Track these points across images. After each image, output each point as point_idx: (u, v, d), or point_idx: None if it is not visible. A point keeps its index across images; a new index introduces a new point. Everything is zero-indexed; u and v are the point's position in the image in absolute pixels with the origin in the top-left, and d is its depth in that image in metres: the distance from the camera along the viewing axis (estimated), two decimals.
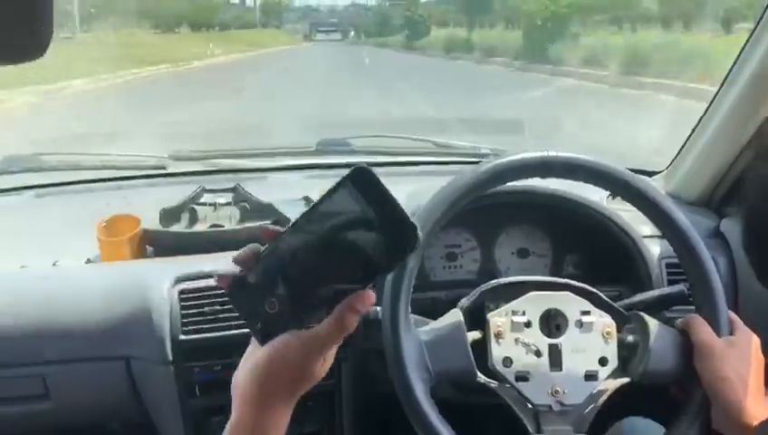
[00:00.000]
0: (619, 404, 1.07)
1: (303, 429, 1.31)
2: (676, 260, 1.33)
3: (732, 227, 1.42)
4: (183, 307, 1.22)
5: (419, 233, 0.61)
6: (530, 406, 1.02)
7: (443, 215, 1.05)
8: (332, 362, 0.68)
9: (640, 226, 1.32)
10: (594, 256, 1.36)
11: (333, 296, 0.64)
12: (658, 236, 1.40)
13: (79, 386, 1.25)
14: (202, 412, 1.25)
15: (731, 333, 0.99)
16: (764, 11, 1.26)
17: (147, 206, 1.45)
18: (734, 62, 1.34)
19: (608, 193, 1.42)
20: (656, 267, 1.29)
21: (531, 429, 1.01)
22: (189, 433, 1.25)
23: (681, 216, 1.06)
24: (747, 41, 1.31)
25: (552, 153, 1.05)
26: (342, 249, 0.63)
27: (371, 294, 0.63)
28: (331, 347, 0.65)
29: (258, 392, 0.64)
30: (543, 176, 1.10)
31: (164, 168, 1.69)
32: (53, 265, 1.34)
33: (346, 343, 0.69)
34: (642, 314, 1.06)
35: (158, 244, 1.38)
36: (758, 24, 1.27)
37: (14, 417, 1.26)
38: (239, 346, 1.20)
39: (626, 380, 1.03)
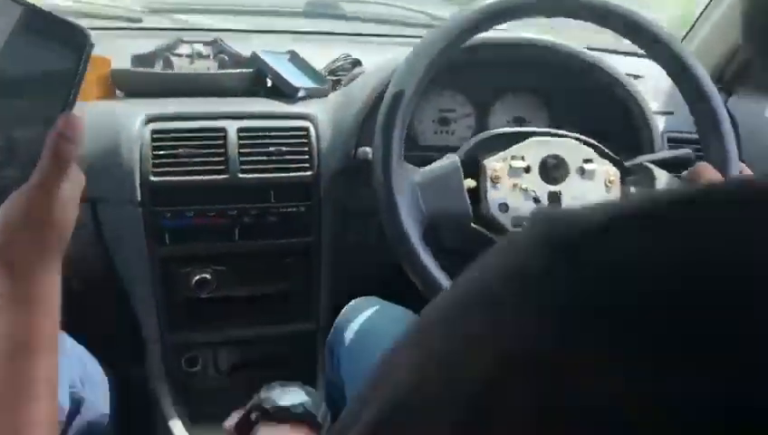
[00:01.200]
0: None
1: (278, 285, 1.25)
2: (679, 135, 1.28)
3: (740, 104, 1.35)
4: (155, 148, 1.13)
5: (88, 31, 0.55)
6: None
7: (430, 64, 0.95)
8: (78, 201, 0.58)
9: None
10: (596, 123, 1.29)
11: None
12: (663, 113, 1.34)
13: None
14: (171, 261, 1.17)
15: None
16: None
17: (119, 55, 1.34)
18: None
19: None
20: (659, 140, 1.22)
21: None
22: (157, 284, 1.18)
23: (699, 66, 0.99)
24: None
25: None
26: (30, 84, 0.56)
27: (76, 116, 0.55)
28: (60, 186, 0.55)
29: (4, 266, 0.54)
30: (549, 15, 1.02)
31: (139, 20, 1.57)
32: None
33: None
34: (648, 165, 0.99)
35: (128, 86, 1.27)
36: None
37: None
38: (213, 193, 1.14)
39: None
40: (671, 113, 1.34)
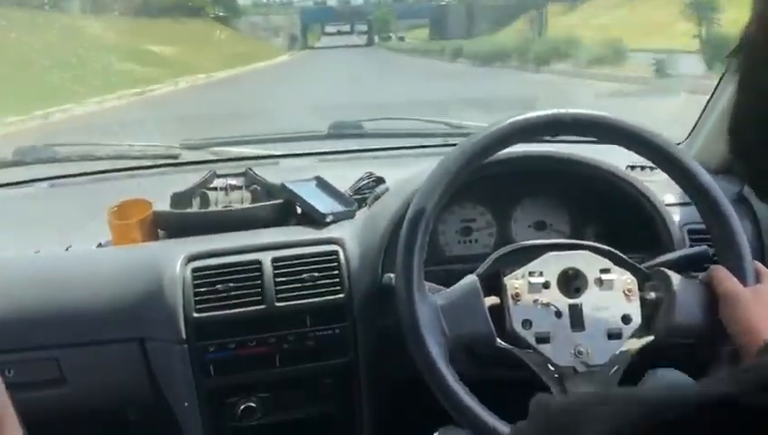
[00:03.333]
0: (645, 365, 1.03)
1: (321, 407, 1.28)
2: (698, 226, 1.30)
3: None
4: (196, 285, 1.20)
5: None
6: (552, 369, 0.98)
7: (449, 183, 1.02)
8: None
9: (662, 193, 1.29)
10: (614, 225, 1.33)
11: None
12: (680, 204, 1.37)
13: (94, 369, 1.24)
14: (217, 392, 1.23)
15: (757, 282, 0.96)
16: None
17: (159, 193, 1.44)
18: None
19: (626, 164, 1.39)
20: (678, 234, 1.25)
21: (556, 393, 0.98)
22: (204, 414, 1.23)
23: (702, 171, 1.03)
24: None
25: (563, 110, 1.03)
26: None
27: None
28: None
29: None
30: (555, 134, 1.08)
31: (176, 157, 1.69)
32: (66, 250, 1.34)
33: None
34: (664, 269, 1.03)
35: (168, 226, 1.36)
36: None
37: (31, 403, 1.23)
38: (252, 324, 1.21)
39: (650, 338, 1.00)
40: (689, 204, 1.37)
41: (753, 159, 0.48)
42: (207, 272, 1.22)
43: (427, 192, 1.02)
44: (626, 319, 1.00)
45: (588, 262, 1.03)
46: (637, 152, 1.07)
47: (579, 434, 0.36)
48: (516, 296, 1.00)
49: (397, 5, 39.26)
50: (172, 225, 1.36)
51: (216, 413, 1.24)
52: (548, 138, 1.25)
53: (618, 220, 1.30)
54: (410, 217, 1.01)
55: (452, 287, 1.02)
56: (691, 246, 1.26)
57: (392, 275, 1.04)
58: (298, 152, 1.74)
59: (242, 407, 1.23)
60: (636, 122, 1.05)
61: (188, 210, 1.38)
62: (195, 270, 1.22)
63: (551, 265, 1.02)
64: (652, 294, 1.03)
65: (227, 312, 1.20)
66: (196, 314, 1.19)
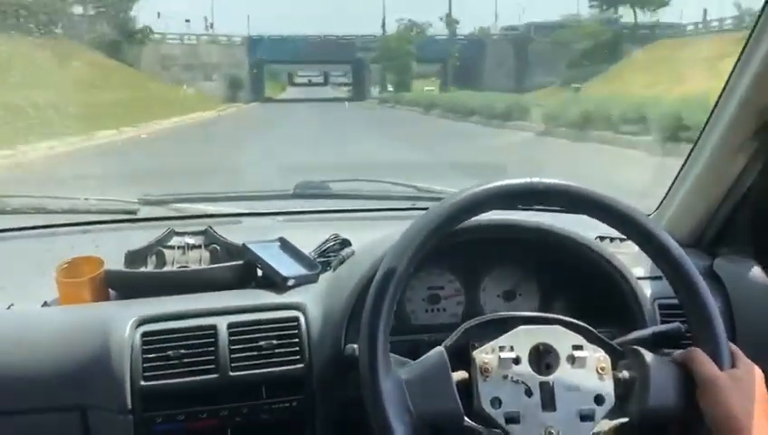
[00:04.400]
0: None
1: None
2: (669, 301, 1.28)
3: (725, 267, 1.36)
4: (145, 351, 1.13)
5: None
6: None
7: (419, 248, 0.98)
8: None
9: (633, 267, 1.27)
10: (584, 297, 1.29)
11: None
12: (651, 278, 1.35)
13: None
14: None
15: (733, 366, 0.93)
16: (742, 52, 1.24)
17: (114, 251, 1.37)
18: (716, 103, 1.32)
19: (596, 235, 1.37)
20: (649, 309, 1.23)
21: None
22: None
23: (676, 246, 1.01)
24: (729, 77, 1.29)
25: (536, 179, 1.01)
26: None
27: None
28: None
29: None
30: (526, 204, 1.05)
31: (133, 212, 1.62)
32: (8, 308, 1.25)
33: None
34: (638, 347, 0.99)
35: (121, 286, 1.29)
36: (738, 61, 1.25)
37: None
38: (204, 394, 1.13)
39: (624, 419, 0.95)
40: (659, 278, 1.35)
41: None
42: (158, 337, 1.15)
43: (396, 256, 0.98)
44: (599, 399, 0.96)
45: (560, 337, 0.99)
46: (608, 223, 1.04)
47: None
48: (485, 372, 0.95)
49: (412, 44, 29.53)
50: (124, 285, 1.29)
51: None
52: (521, 206, 1.23)
53: (588, 292, 1.26)
54: (377, 282, 0.97)
55: (418, 360, 0.97)
56: (662, 321, 1.23)
57: (355, 346, 0.98)
58: (262, 211, 1.69)
59: None
60: (606, 193, 1.03)
61: (142, 270, 1.31)
62: (145, 334, 1.14)
63: (522, 340, 0.98)
64: (626, 373, 0.99)
65: (178, 380, 1.12)
66: (143, 383, 1.11)
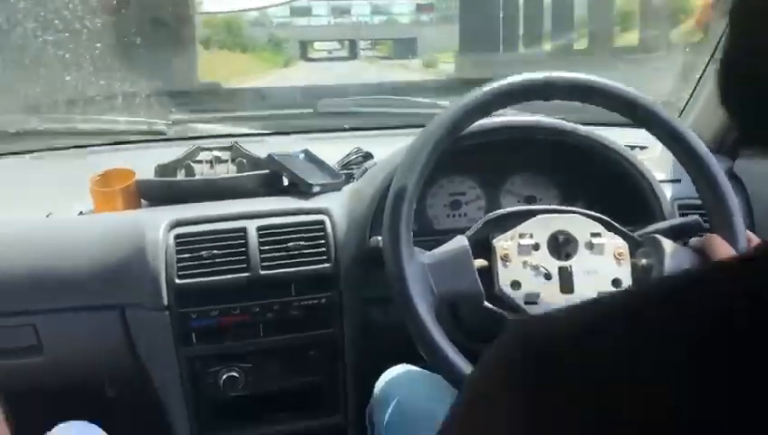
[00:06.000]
0: None
1: (305, 378, 1.26)
2: (689, 201, 1.29)
3: (746, 168, 1.37)
4: (179, 251, 1.18)
5: None
6: None
7: (432, 151, 0.99)
8: None
9: (653, 170, 1.28)
10: (605, 198, 1.31)
11: None
12: (671, 181, 1.36)
13: (72, 337, 1.21)
14: (199, 361, 1.20)
15: None
16: None
17: (143, 166, 1.42)
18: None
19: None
20: (669, 207, 1.24)
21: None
22: (186, 383, 1.20)
23: (696, 137, 1.02)
24: None
25: (557, 73, 1.02)
26: None
27: None
28: None
29: None
30: (547, 98, 1.06)
31: (162, 133, 1.66)
32: (46, 217, 1.31)
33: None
34: (656, 236, 1.01)
35: (152, 195, 1.34)
36: None
37: (7, 371, 1.21)
38: (236, 291, 1.18)
39: None
40: (678, 181, 1.37)
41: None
42: (191, 238, 1.19)
43: (408, 167, 0.99)
44: (616, 283, 0.99)
45: (578, 225, 1.01)
46: (631, 118, 1.05)
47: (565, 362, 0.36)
48: (505, 258, 0.98)
49: None
50: (156, 193, 1.33)
51: (197, 383, 1.21)
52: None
53: (608, 193, 1.28)
54: (393, 189, 0.99)
55: (440, 247, 1.00)
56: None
57: (379, 238, 1.02)
58: (286, 130, 1.72)
59: (224, 377, 1.20)
60: (629, 88, 1.03)
61: (172, 179, 1.35)
62: (178, 236, 1.19)
63: (541, 228, 1.01)
64: (644, 261, 1.01)
65: (211, 279, 1.17)
66: (178, 281, 1.16)
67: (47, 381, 1.27)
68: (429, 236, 1.24)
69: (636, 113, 1.03)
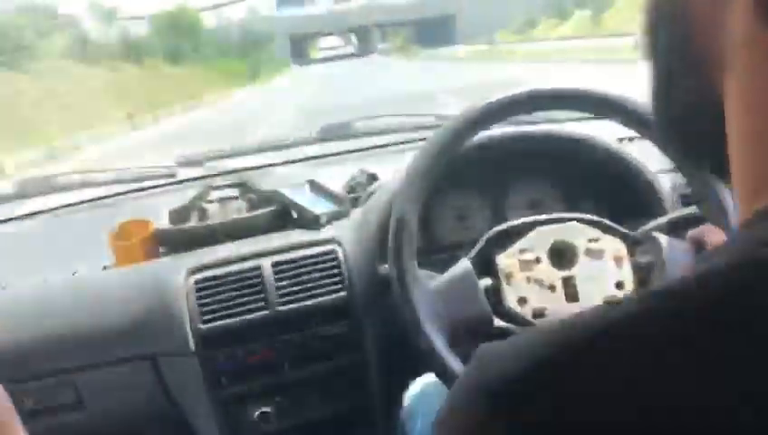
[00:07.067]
0: None
1: (336, 405, 1.30)
2: (689, 190, 1.31)
3: None
4: (199, 297, 1.23)
5: None
6: None
7: (428, 169, 1.03)
8: None
9: (652, 160, 1.30)
10: (609, 198, 1.34)
11: None
12: (669, 171, 1.38)
13: (110, 390, 1.26)
14: (231, 401, 1.25)
15: None
16: None
17: (158, 212, 1.47)
18: None
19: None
20: (671, 200, 1.27)
21: None
22: (221, 424, 1.25)
23: None
24: None
25: (540, 86, 1.05)
26: None
27: None
28: None
29: None
30: (533, 111, 1.09)
31: (172, 175, 1.71)
32: (73, 275, 1.37)
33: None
34: (654, 233, 1.04)
35: (169, 242, 1.39)
36: None
37: (49, 428, 1.27)
38: (258, 330, 1.23)
39: None
40: (677, 170, 1.38)
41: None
42: (210, 283, 1.24)
43: (403, 200, 1.03)
44: (619, 285, 1.02)
45: (576, 233, 1.04)
46: (621, 122, 1.08)
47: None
48: (510, 276, 1.02)
49: None
50: (173, 241, 1.38)
51: (233, 422, 1.26)
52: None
53: (611, 193, 1.31)
54: (395, 212, 1.03)
55: (446, 273, 1.04)
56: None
57: (386, 266, 1.06)
58: (291, 159, 1.76)
59: (257, 413, 1.25)
60: (618, 92, 1.06)
61: (187, 225, 1.40)
62: (197, 282, 1.24)
63: (540, 241, 1.04)
64: (644, 259, 1.04)
65: (233, 320, 1.22)
66: (202, 326, 1.21)
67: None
68: (437, 252, 1.28)
69: (628, 120, 1.05)
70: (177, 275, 1.25)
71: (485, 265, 1.05)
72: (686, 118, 0.46)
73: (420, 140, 1.77)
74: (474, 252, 1.07)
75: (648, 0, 0.45)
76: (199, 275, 1.25)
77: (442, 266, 1.15)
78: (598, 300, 1.01)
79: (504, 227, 1.09)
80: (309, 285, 1.25)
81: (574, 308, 1.00)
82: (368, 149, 1.76)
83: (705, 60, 0.41)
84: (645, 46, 0.46)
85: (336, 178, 1.51)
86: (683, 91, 0.45)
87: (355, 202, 1.45)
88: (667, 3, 0.43)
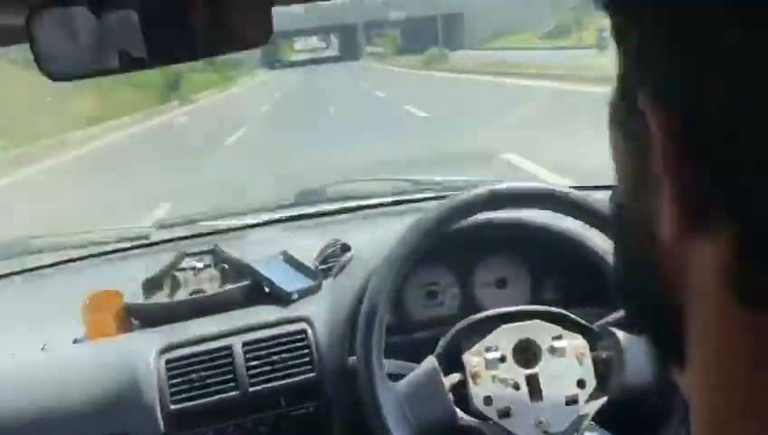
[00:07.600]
0: (603, 426, 1.07)
1: None
2: None
3: None
4: (170, 377, 1.24)
5: None
6: None
7: (396, 274, 1.08)
8: None
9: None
10: (571, 279, 1.38)
11: None
12: None
13: None
14: None
15: None
16: None
17: (132, 277, 1.48)
18: None
19: None
20: None
21: None
22: None
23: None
24: None
25: (498, 185, 1.08)
26: None
27: None
28: None
29: None
30: (493, 209, 1.13)
31: (147, 237, 1.72)
32: (42, 349, 1.37)
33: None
34: (612, 329, 1.07)
35: (141, 317, 1.40)
36: None
37: None
38: (228, 410, 1.24)
39: (604, 398, 1.04)
40: None
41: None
42: (181, 362, 1.25)
43: (377, 287, 1.06)
44: (581, 383, 1.05)
45: (539, 331, 1.07)
46: (584, 222, 1.11)
47: None
48: (476, 375, 1.05)
49: None
50: (145, 316, 1.39)
51: None
52: None
53: (574, 275, 1.34)
54: (363, 314, 1.06)
55: (413, 373, 1.06)
56: None
57: (355, 359, 1.08)
58: (265, 221, 1.78)
59: None
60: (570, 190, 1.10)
61: (160, 301, 1.41)
62: (168, 361, 1.25)
63: (505, 339, 1.07)
64: (604, 355, 1.07)
65: (203, 401, 1.23)
66: (172, 406, 1.22)
67: None
68: (407, 330, 1.31)
69: (573, 210, 1.09)
70: (148, 353, 1.26)
71: (452, 361, 1.07)
72: (645, 308, 0.42)
73: (395, 203, 1.80)
74: (440, 348, 1.09)
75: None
76: (170, 355, 1.26)
77: (410, 350, 1.17)
78: (560, 398, 1.03)
79: (468, 321, 1.12)
80: (279, 365, 1.26)
81: (539, 406, 1.03)
82: (342, 211, 1.78)
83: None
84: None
85: (309, 246, 1.53)
86: (644, 287, 0.42)
87: (328, 272, 1.46)
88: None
